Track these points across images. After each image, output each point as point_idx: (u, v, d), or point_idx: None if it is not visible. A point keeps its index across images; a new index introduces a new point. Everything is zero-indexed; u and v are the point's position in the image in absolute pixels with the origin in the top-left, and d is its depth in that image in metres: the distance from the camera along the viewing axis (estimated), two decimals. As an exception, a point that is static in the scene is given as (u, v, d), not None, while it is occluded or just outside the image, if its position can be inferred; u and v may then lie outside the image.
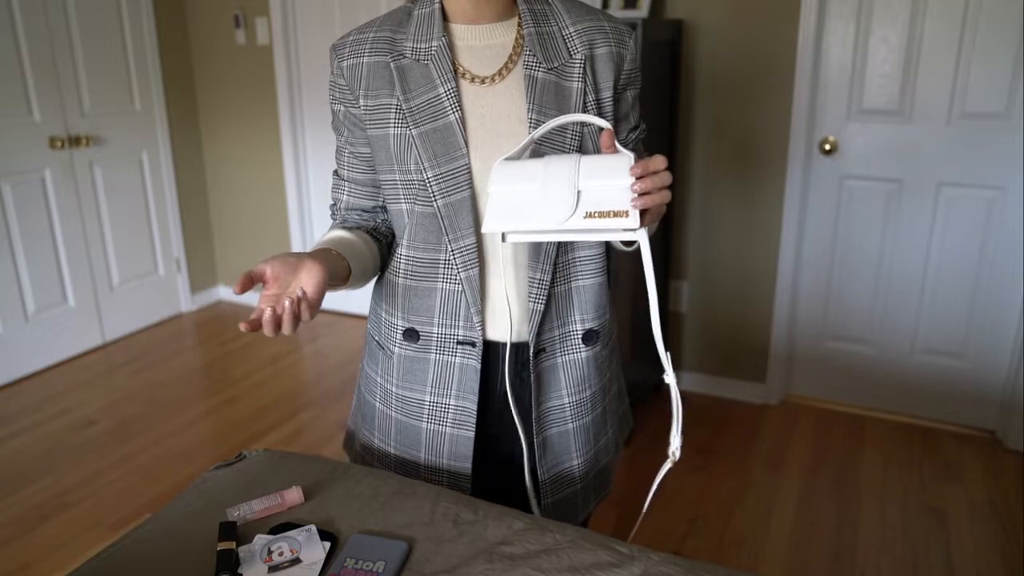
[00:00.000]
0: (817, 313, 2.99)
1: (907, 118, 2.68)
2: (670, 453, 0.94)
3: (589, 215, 0.87)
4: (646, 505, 1.05)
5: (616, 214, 0.86)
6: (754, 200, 2.92)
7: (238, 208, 4.10)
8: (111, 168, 3.62)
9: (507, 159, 0.95)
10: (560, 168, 0.90)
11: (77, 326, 3.56)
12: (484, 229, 0.90)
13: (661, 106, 2.78)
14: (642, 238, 0.88)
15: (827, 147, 2.80)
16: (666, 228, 3.03)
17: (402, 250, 1.10)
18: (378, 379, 1.19)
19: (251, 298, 4.21)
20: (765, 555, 2.19)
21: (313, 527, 0.98)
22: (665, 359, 0.90)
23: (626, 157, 0.89)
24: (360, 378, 1.26)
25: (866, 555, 2.19)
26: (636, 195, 0.87)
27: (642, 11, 2.74)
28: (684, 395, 3.17)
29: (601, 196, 0.88)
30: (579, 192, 0.88)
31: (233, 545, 0.93)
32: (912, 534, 2.28)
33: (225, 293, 4.31)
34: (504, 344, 1.11)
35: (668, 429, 2.89)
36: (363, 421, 1.24)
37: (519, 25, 1.07)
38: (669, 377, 0.91)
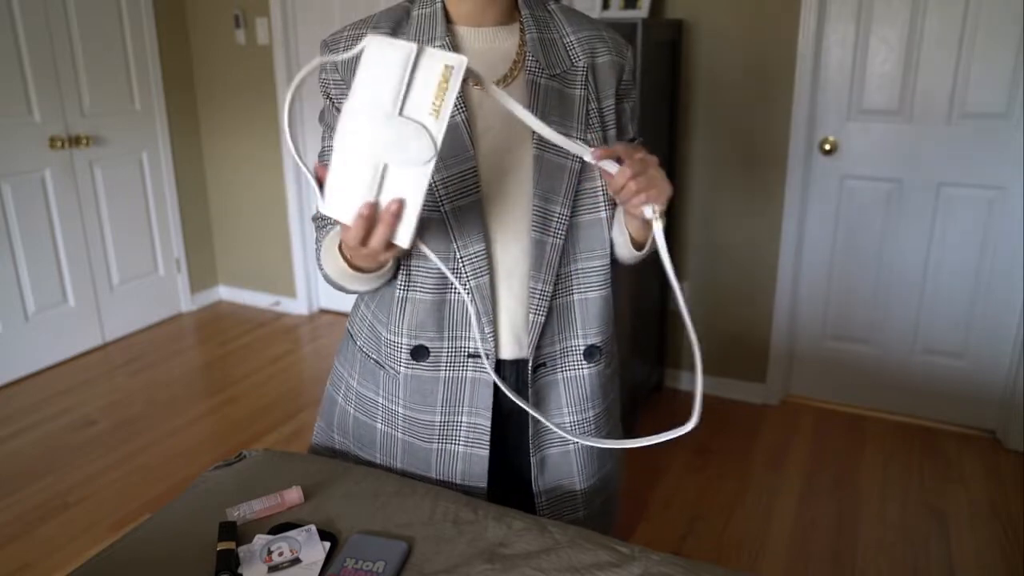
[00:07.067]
0: (817, 313, 2.99)
1: (907, 118, 2.68)
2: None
3: (435, 110, 0.81)
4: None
5: (445, 80, 0.81)
6: (754, 200, 2.92)
7: (238, 208, 4.10)
8: (111, 168, 3.62)
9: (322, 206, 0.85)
10: (371, 129, 0.82)
11: (77, 326, 3.56)
12: (401, 241, 0.83)
13: (661, 106, 2.77)
14: (462, 64, 0.82)
15: (827, 147, 2.80)
16: (667, 228, 3.02)
17: (407, 260, 1.04)
18: (379, 399, 1.12)
19: (252, 299, 4.21)
20: (765, 555, 2.19)
21: (313, 527, 0.98)
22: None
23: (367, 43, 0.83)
24: (346, 399, 1.18)
25: (866, 555, 2.19)
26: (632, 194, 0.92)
27: (642, 11, 2.74)
28: (684, 395, 3.17)
29: (421, 90, 0.81)
30: (401, 109, 0.81)
31: (233, 545, 0.93)
32: (912, 534, 2.28)
33: (225, 293, 4.31)
34: (510, 361, 1.07)
35: (668, 430, 2.88)
36: (361, 446, 1.17)
37: (521, 30, 1.05)
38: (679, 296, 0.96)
